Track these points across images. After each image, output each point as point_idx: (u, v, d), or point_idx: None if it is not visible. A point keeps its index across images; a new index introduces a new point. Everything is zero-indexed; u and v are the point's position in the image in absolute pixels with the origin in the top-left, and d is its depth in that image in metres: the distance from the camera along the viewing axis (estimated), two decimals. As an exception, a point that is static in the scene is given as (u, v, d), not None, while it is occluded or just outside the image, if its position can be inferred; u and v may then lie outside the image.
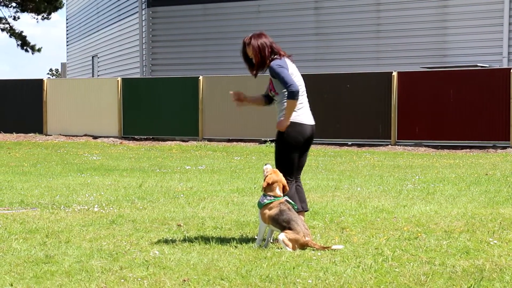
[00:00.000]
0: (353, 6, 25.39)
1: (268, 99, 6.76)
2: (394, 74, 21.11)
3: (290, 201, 6.28)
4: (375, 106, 21.37)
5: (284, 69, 6.36)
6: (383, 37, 25.02)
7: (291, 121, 6.40)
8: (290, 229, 6.02)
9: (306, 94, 6.60)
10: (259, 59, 6.47)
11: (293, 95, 6.30)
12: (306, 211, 6.69)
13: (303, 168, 6.85)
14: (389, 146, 20.98)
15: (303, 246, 5.99)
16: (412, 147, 20.58)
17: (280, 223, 6.07)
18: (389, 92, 21.14)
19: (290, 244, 5.96)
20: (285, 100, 6.39)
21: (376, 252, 5.89)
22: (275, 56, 6.47)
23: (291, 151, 6.50)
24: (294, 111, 6.41)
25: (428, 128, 20.83)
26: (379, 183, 11.36)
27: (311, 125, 6.58)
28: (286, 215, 6.07)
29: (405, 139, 21.12)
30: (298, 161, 6.60)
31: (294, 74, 6.48)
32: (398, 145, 21.03)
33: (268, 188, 6.22)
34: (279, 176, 6.28)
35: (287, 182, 6.37)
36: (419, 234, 6.67)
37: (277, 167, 6.48)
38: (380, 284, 4.89)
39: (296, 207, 6.30)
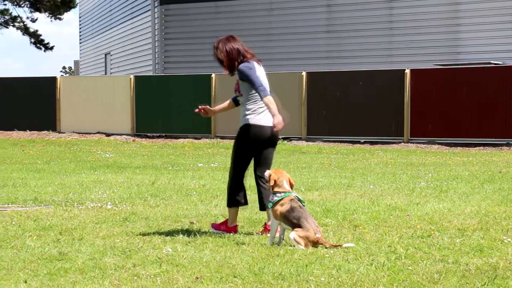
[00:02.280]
0: (365, 3, 25.32)
1: (235, 102, 7.11)
2: (407, 71, 21.05)
3: (300, 197, 6.32)
4: (387, 104, 21.31)
5: (253, 71, 6.67)
6: (395, 35, 24.94)
7: (251, 123, 6.72)
8: (300, 226, 6.03)
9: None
10: (228, 61, 6.80)
11: (265, 93, 6.59)
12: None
13: (271, 165, 7.04)
14: (402, 143, 20.92)
15: (315, 243, 5.99)
16: (425, 145, 20.52)
17: (291, 220, 6.09)
18: (401, 89, 21.08)
19: (302, 242, 5.96)
20: (249, 102, 6.73)
21: (389, 250, 5.87)
22: (244, 59, 6.75)
23: (247, 151, 6.81)
24: (258, 113, 6.71)
25: (441, 125, 20.75)
26: (392, 181, 11.33)
27: (271, 126, 6.76)
28: (296, 213, 6.10)
29: (418, 137, 21.05)
30: (255, 161, 6.87)
31: (261, 78, 6.75)
32: (411, 142, 20.97)
33: (276, 185, 6.27)
34: (282, 172, 6.39)
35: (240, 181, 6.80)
36: (432, 232, 6.65)
37: (233, 165, 6.85)
38: (393, 282, 4.88)
39: (304, 203, 6.36)
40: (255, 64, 6.76)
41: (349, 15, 25.61)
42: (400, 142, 21.05)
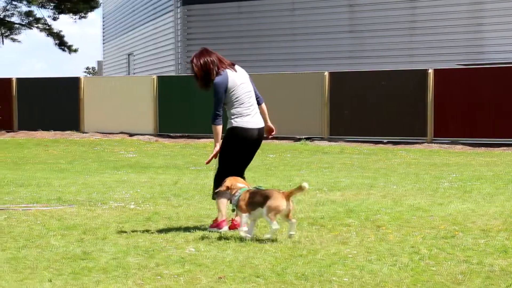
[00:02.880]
0: (387, 3, 25.24)
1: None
2: (430, 71, 20.92)
3: (258, 185, 6.76)
4: (410, 104, 21.20)
5: (220, 91, 6.82)
6: (417, 34, 24.83)
7: (237, 126, 6.91)
8: (267, 198, 6.27)
9: (255, 98, 7.09)
10: (203, 74, 6.92)
11: (214, 121, 6.91)
12: None
13: (249, 166, 7.29)
14: (425, 144, 20.80)
15: (286, 198, 6.23)
16: (448, 145, 20.39)
17: (257, 201, 6.34)
18: (424, 89, 20.96)
19: (273, 212, 6.21)
20: (235, 105, 6.92)
21: (412, 251, 5.85)
22: (219, 70, 6.91)
23: (234, 153, 6.97)
24: (244, 116, 6.92)
25: (465, 125, 20.60)
26: (415, 181, 11.28)
27: (258, 128, 7.02)
28: (257, 194, 6.39)
29: (441, 137, 20.91)
30: (242, 161, 7.06)
31: (242, 82, 6.94)
32: (434, 142, 20.84)
33: (232, 189, 6.58)
34: (235, 178, 6.71)
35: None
36: (456, 233, 6.61)
37: (219, 167, 7.00)
38: (417, 283, 4.86)
39: (263, 187, 6.66)
40: (229, 72, 6.90)
41: (371, 15, 25.54)
42: (423, 142, 20.94)
